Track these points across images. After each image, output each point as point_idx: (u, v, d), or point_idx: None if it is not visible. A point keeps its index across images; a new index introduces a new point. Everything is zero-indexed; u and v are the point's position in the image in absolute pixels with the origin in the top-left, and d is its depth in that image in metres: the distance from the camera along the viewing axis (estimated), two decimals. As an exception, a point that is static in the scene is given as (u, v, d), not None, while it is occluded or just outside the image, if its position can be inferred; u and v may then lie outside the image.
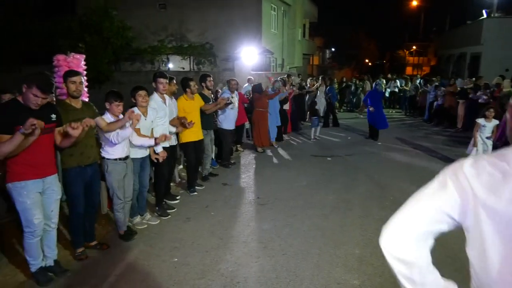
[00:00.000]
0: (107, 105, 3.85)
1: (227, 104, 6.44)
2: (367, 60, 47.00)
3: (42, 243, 3.28)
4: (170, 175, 5.36)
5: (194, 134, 5.59)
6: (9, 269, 3.52)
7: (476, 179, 0.96)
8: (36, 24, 15.86)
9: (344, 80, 18.25)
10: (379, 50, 47.62)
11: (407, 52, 48.09)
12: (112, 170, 3.91)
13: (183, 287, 3.25)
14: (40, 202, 3.12)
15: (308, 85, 12.92)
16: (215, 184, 6.23)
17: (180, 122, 5.15)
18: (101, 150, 3.90)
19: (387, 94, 16.90)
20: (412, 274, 1.04)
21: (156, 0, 19.92)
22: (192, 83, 5.56)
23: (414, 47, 46.50)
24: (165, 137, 4.29)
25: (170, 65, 18.55)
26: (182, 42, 18.87)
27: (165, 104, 4.80)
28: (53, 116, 3.16)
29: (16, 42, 15.13)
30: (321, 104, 11.90)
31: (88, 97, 6.92)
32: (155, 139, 4.25)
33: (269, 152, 8.58)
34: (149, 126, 4.39)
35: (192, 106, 5.60)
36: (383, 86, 16.98)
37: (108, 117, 3.83)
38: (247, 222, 4.68)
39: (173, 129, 5.07)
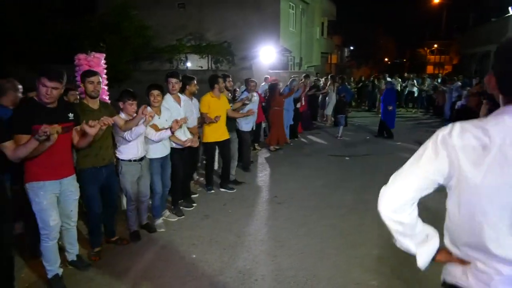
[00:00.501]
0: (120, 104, 3.84)
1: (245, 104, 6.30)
2: (386, 59, 46.31)
3: (63, 240, 3.33)
4: (189, 177, 5.33)
5: (217, 134, 5.51)
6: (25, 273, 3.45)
7: (463, 152, 1.16)
8: (59, 24, 16.27)
9: (363, 78, 18.06)
10: (399, 48, 46.81)
11: (428, 50, 47.13)
12: (125, 171, 3.88)
13: (202, 284, 3.30)
14: (55, 203, 3.08)
15: (322, 84, 12.86)
16: (233, 183, 6.26)
17: (196, 130, 5.07)
18: (116, 151, 3.88)
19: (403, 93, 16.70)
20: (405, 230, 1.32)
21: (175, 0, 20.13)
22: (220, 80, 5.50)
23: (435, 45, 45.51)
24: (176, 122, 4.04)
25: (189, 64, 18.74)
26: (200, 41, 19.03)
27: (179, 105, 4.69)
28: (70, 115, 3.10)
29: (41, 42, 15.58)
30: (331, 103, 11.92)
31: (108, 95, 7.07)
32: (170, 128, 4.06)
33: (286, 151, 8.58)
34: (163, 125, 4.26)
35: (217, 104, 5.47)
36: (399, 84, 16.79)
37: (122, 117, 3.82)
38: (264, 221, 4.69)
39: (183, 138, 4.69)
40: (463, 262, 1.27)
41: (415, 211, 1.32)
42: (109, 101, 5.85)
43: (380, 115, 11.01)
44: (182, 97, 4.84)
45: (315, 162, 7.70)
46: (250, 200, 5.45)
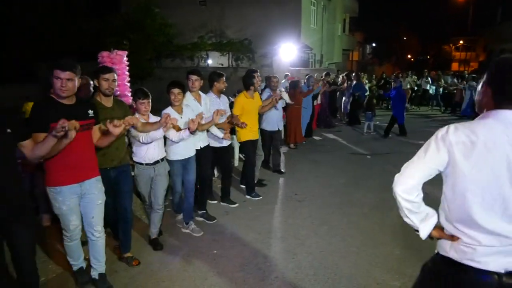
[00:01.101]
0: (133, 103, 3.68)
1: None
2: (409, 56, 45.33)
3: (89, 253, 3.14)
4: (228, 177, 5.20)
5: (252, 133, 5.28)
6: (52, 266, 3.53)
7: (456, 146, 1.51)
8: (84, 23, 16.67)
9: (384, 76, 17.70)
10: (422, 45, 45.74)
11: (453, 47, 45.89)
12: (138, 174, 3.73)
13: (222, 279, 3.33)
14: (77, 207, 2.94)
15: (340, 81, 12.73)
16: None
17: (227, 125, 4.76)
18: (133, 155, 3.71)
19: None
20: (413, 207, 1.66)
21: (197, -3, 20.28)
22: (257, 78, 5.18)
23: (461, 42, 44.25)
24: (192, 121, 3.73)
25: (209, 61, 18.86)
26: (221, 39, 19.13)
27: (200, 104, 4.41)
28: (90, 112, 2.94)
29: (66, 40, 16.00)
30: (346, 101, 11.83)
31: (131, 91, 7.21)
32: (188, 129, 3.76)
33: (306, 149, 8.53)
34: (185, 123, 4.02)
35: (252, 105, 5.22)
36: (414, 82, 16.45)
37: (138, 116, 3.59)
38: (284, 218, 4.69)
39: (220, 134, 4.61)
40: (452, 238, 1.61)
41: (421, 192, 1.66)
42: (131, 98, 5.96)
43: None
44: (203, 95, 4.54)
45: (335, 160, 7.64)
46: (270, 197, 5.45)
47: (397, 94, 10.14)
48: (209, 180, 4.77)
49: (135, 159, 3.70)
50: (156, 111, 4.45)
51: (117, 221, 3.55)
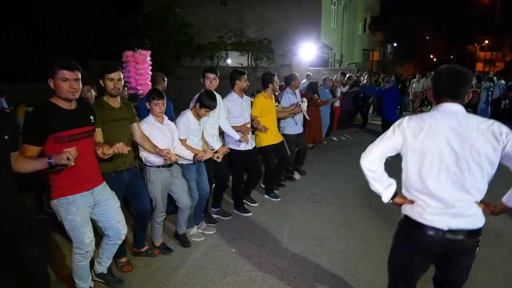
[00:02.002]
0: (147, 104, 3.50)
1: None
2: (431, 56, 44.38)
3: (101, 251, 3.04)
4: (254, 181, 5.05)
5: (273, 136, 5.07)
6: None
7: (408, 130, 1.99)
8: (108, 22, 17.02)
9: (402, 78, 17.24)
10: (446, 44, 44.70)
11: (478, 46, 44.66)
12: (154, 179, 3.50)
13: (241, 278, 3.35)
14: (89, 218, 2.76)
15: (365, 81, 12.52)
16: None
17: (246, 128, 4.57)
18: (141, 156, 3.51)
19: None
20: (375, 176, 2.14)
21: (217, -3, 20.41)
22: (276, 79, 5.03)
23: (486, 41, 43.02)
24: (202, 155, 3.71)
25: (229, 61, 18.95)
26: (241, 38, 19.19)
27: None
28: (91, 117, 2.75)
29: (90, 39, 16.39)
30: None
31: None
32: (194, 156, 3.68)
33: (324, 149, 8.47)
34: (201, 130, 3.98)
35: (271, 105, 5.06)
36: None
37: (150, 120, 3.49)
38: (303, 219, 4.67)
39: (236, 136, 4.48)
40: (411, 202, 2.09)
41: (382, 165, 2.14)
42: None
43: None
44: (218, 95, 4.20)
45: (354, 161, 7.48)
46: (288, 197, 5.44)
47: (390, 96, 9.40)
48: (226, 179, 4.63)
49: (148, 163, 3.50)
50: (177, 109, 4.51)
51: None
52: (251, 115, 4.77)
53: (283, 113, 5.52)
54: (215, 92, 4.02)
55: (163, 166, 3.50)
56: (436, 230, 1.96)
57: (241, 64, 18.11)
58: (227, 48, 18.46)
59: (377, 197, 5.60)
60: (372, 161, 2.12)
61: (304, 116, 6.13)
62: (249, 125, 4.66)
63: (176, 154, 3.44)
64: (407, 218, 2.11)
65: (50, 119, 2.44)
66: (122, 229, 2.95)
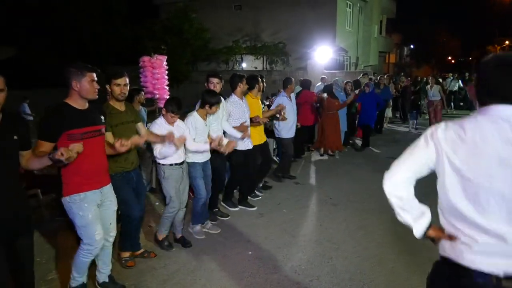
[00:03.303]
0: (163, 110, 3.69)
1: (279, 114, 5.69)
2: (449, 58, 43.60)
3: (97, 258, 3.05)
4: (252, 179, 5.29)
5: (259, 136, 5.25)
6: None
7: (445, 142, 1.49)
8: (125, 29, 17.37)
9: (418, 79, 16.94)
10: (464, 46, 43.85)
11: (498, 47, 43.63)
12: (169, 175, 3.70)
13: (257, 280, 3.36)
14: (99, 215, 2.87)
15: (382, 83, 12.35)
16: (287, 183, 6.28)
17: (244, 127, 4.73)
18: (155, 156, 3.69)
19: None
20: (404, 204, 1.66)
21: (232, 2, 20.59)
22: (260, 80, 5.30)
23: (506, 42, 42.00)
24: (219, 141, 3.94)
25: (244, 65, 19.06)
26: (256, 42, 19.29)
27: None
28: (102, 117, 2.90)
29: (108, 45, 16.75)
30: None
31: (169, 95, 7.43)
32: (210, 143, 3.94)
33: (340, 152, 8.40)
34: (207, 130, 4.13)
35: (257, 105, 5.28)
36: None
37: (161, 122, 3.71)
38: (319, 222, 4.66)
39: (238, 134, 4.60)
40: (451, 237, 1.53)
41: (411, 189, 1.65)
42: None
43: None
44: (221, 98, 4.47)
45: (371, 164, 7.49)
46: (304, 200, 5.44)
47: (370, 100, 8.80)
48: (223, 182, 4.84)
49: (163, 162, 3.68)
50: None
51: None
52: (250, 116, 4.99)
53: (268, 113, 5.62)
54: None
55: (175, 164, 3.71)
56: (488, 276, 1.41)
57: (256, 68, 18.20)
58: (242, 52, 18.59)
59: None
60: (398, 184, 1.64)
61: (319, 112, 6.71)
62: (246, 124, 4.80)
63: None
64: (445, 259, 1.57)
65: (64, 118, 2.62)
66: (111, 231, 3.05)
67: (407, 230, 4.42)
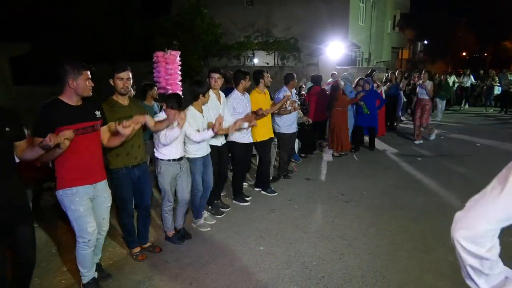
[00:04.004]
0: (164, 105, 3.70)
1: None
2: (464, 53, 42.76)
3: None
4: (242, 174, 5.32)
5: (266, 132, 5.30)
6: (60, 273, 3.46)
7: None
8: (137, 24, 17.46)
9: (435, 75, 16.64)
10: (480, 41, 42.91)
11: (515, 43, 42.65)
12: (164, 171, 3.76)
13: (269, 275, 3.38)
14: (91, 209, 2.94)
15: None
16: (298, 179, 6.27)
17: (250, 117, 4.73)
18: (154, 151, 3.80)
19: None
20: (482, 267, 1.11)
21: (244, -3, 20.52)
22: (266, 75, 5.32)
23: (523, 38, 41.03)
24: (220, 123, 3.86)
25: (255, 60, 19.01)
26: (267, 38, 19.21)
27: (219, 102, 4.49)
28: (97, 112, 2.94)
29: (120, 41, 16.87)
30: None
31: (182, 91, 7.46)
32: (213, 128, 3.87)
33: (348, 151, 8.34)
34: (205, 121, 4.16)
35: (264, 100, 5.29)
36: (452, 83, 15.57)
37: (162, 115, 3.71)
38: (331, 218, 4.65)
39: (245, 124, 4.54)
40: None
41: (497, 246, 1.11)
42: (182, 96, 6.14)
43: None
44: (222, 94, 4.62)
45: (383, 161, 7.43)
46: (315, 196, 5.42)
47: (370, 98, 8.09)
48: (226, 177, 4.93)
49: (160, 157, 3.75)
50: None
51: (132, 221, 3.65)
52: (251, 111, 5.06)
53: (274, 107, 5.44)
54: (219, 92, 4.52)
55: (173, 160, 3.76)
56: None
57: (268, 63, 18.12)
58: (254, 48, 18.51)
59: (407, 198, 5.49)
60: (478, 238, 1.11)
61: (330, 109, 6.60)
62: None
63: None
64: None
65: (56, 114, 2.68)
66: (104, 226, 3.13)
67: (420, 227, 4.42)
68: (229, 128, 4.22)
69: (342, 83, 7.46)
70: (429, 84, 8.92)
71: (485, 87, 15.60)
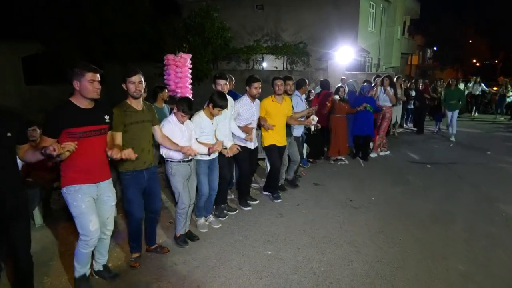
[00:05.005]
0: (175, 109, 3.72)
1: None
2: (474, 60, 42.39)
3: (95, 249, 3.15)
4: (248, 178, 5.25)
5: (277, 139, 5.19)
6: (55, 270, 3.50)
7: None
8: (148, 27, 17.60)
9: (441, 82, 16.32)
10: (491, 48, 42.51)
11: (526, 51, 42.15)
12: (176, 172, 3.75)
13: (277, 280, 3.36)
14: (94, 207, 2.97)
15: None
16: (307, 184, 6.25)
17: (248, 128, 4.72)
18: (162, 154, 3.73)
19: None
20: None
21: (254, 1, 20.61)
22: (279, 82, 5.06)
23: (535, 45, 40.53)
24: (216, 148, 3.91)
25: (264, 64, 19.04)
26: (277, 42, 19.25)
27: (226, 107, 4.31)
28: (107, 117, 2.98)
29: (131, 43, 17.00)
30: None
31: (192, 93, 7.50)
32: (209, 149, 3.90)
33: (361, 154, 8.27)
34: (214, 129, 4.20)
35: (277, 109, 5.10)
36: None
37: (172, 119, 3.73)
38: (339, 224, 4.62)
39: (242, 134, 4.67)
40: None
41: None
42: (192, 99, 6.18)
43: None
44: (230, 98, 4.46)
45: (392, 167, 7.37)
46: (324, 202, 5.40)
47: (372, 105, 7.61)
48: (229, 179, 4.90)
49: (170, 158, 3.72)
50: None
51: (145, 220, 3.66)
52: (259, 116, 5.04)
53: (293, 121, 5.51)
54: (226, 94, 4.32)
55: (183, 161, 3.75)
56: None
57: (276, 68, 18.14)
58: (263, 52, 18.55)
59: (417, 205, 5.49)
60: None
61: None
62: (251, 126, 4.82)
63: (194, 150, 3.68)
64: None
65: (66, 116, 2.73)
66: (108, 225, 3.16)
67: (429, 235, 4.39)
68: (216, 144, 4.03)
69: (337, 97, 7.30)
70: (391, 91, 8.24)
71: (497, 95, 15.43)
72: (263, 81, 5.02)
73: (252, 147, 4.97)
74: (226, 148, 4.19)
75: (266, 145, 5.26)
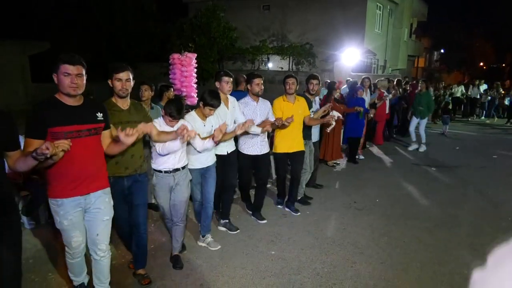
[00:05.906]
0: (162, 112, 3.36)
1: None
2: (481, 63, 42.10)
3: (92, 272, 2.86)
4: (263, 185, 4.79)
5: (287, 144, 4.72)
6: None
7: None
8: (154, 27, 17.71)
9: (443, 85, 16.19)
10: (498, 51, 42.20)
11: (534, 54, 41.80)
12: (156, 182, 3.38)
13: (280, 280, 3.36)
14: (81, 221, 2.62)
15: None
16: (310, 185, 6.21)
17: (267, 124, 4.19)
18: (157, 152, 3.29)
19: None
20: None
21: (261, 2, 20.63)
22: (291, 81, 4.63)
23: (543, 48, 40.18)
24: (220, 130, 3.35)
25: (270, 65, 19.06)
26: (282, 43, 19.27)
27: (227, 107, 4.06)
28: (99, 115, 2.58)
29: (138, 43, 17.13)
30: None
31: (196, 93, 7.52)
32: (212, 138, 3.44)
33: (366, 157, 8.26)
34: (208, 132, 3.70)
35: (289, 109, 4.62)
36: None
37: (160, 121, 3.33)
38: (343, 226, 4.61)
39: (258, 130, 4.18)
40: None
41: None
42: (196, 100, 6.19)
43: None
44: (232, 98, 4.20)
45: (396, 170, 7.34)
46: (327, 203, 5.39)
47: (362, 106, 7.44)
48: (234, 188, 4.56)
49: (153, 166, 3.38)
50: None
51: (130, 235, 3.28)
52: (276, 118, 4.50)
53: (314, 121, 5.06)
54: (228, 96, 4.09)
55: (165, 172, 3.33)
56: None
57: (282, 68, 18.16)
58: (269, 52, 18.57)
59: (421, 208, 5.45)
60: None
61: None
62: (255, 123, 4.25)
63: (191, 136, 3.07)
64: None
65: (48, 113, 2.37)
66: (99, 243, 2.72)
67: (434, 239, 4.36)
68: (235, 129, 3.72)
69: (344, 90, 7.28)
70: (369, 98, 8.00)
71: (489, 98, 15.44)
72: (269, 82, 4.93)
73: (259, 153, 4.47)
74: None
75: (274, 152, 4.82)
